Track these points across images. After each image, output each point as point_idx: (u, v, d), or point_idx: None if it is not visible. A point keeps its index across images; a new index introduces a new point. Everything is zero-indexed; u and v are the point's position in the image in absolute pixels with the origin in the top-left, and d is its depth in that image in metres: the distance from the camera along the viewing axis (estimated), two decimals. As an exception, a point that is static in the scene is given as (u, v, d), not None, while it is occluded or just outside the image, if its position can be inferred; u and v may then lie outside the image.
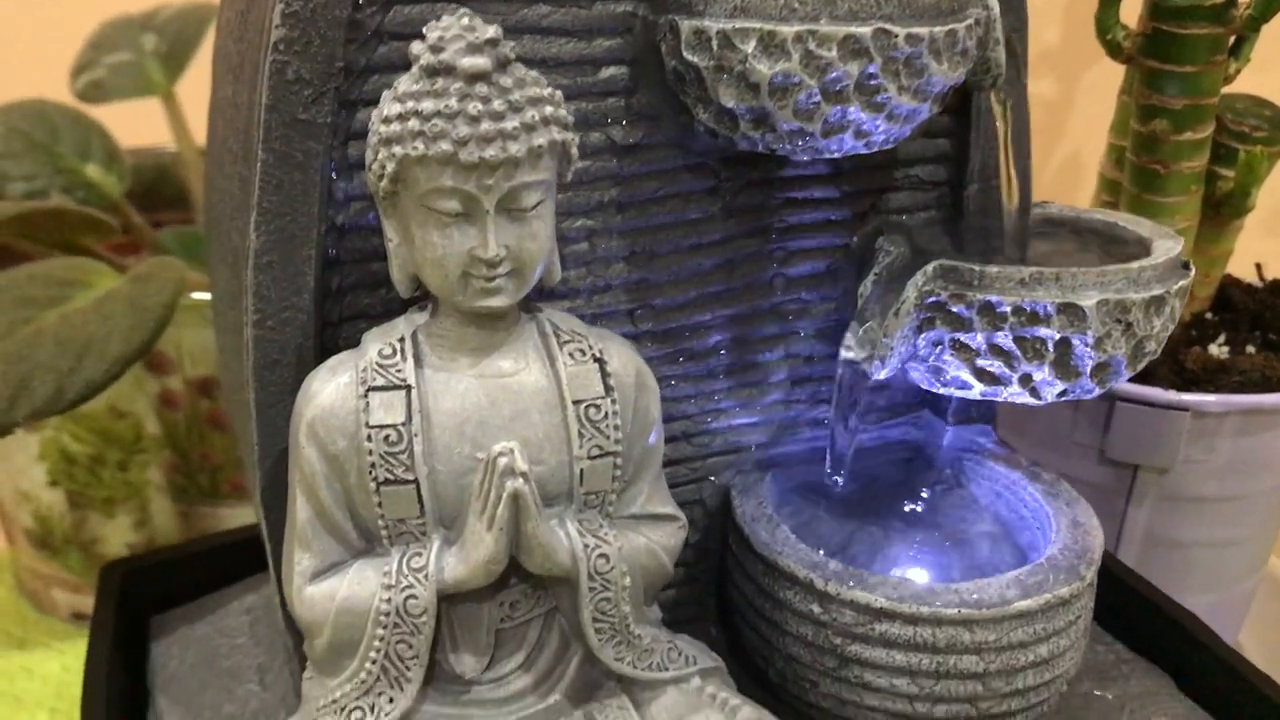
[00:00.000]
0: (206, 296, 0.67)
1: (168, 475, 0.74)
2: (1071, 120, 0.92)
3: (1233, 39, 0.64)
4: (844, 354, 0.48)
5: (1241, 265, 0.78)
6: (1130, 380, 0.66)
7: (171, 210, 0.86)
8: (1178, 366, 0.67)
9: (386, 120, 0.35)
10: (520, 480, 0.36)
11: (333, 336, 0.42)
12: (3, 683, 0.73)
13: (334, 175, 0.40)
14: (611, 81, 0.43)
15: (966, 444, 0.54)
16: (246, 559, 0.59)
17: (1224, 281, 0.75)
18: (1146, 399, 0.65)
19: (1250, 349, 0.71)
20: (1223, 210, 0.69)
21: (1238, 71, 0.66)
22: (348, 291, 0.42)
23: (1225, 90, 0.69)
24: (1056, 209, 0.53)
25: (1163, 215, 0.67)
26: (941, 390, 0.48)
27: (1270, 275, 0.77)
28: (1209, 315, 0.74)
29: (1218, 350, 0.71)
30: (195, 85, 0.77)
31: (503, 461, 0.36)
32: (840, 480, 0.50)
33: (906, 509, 0.52)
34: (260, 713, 0.50)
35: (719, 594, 0.53)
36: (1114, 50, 0.64)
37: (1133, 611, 0.56)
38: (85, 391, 0.54)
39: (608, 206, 0.45)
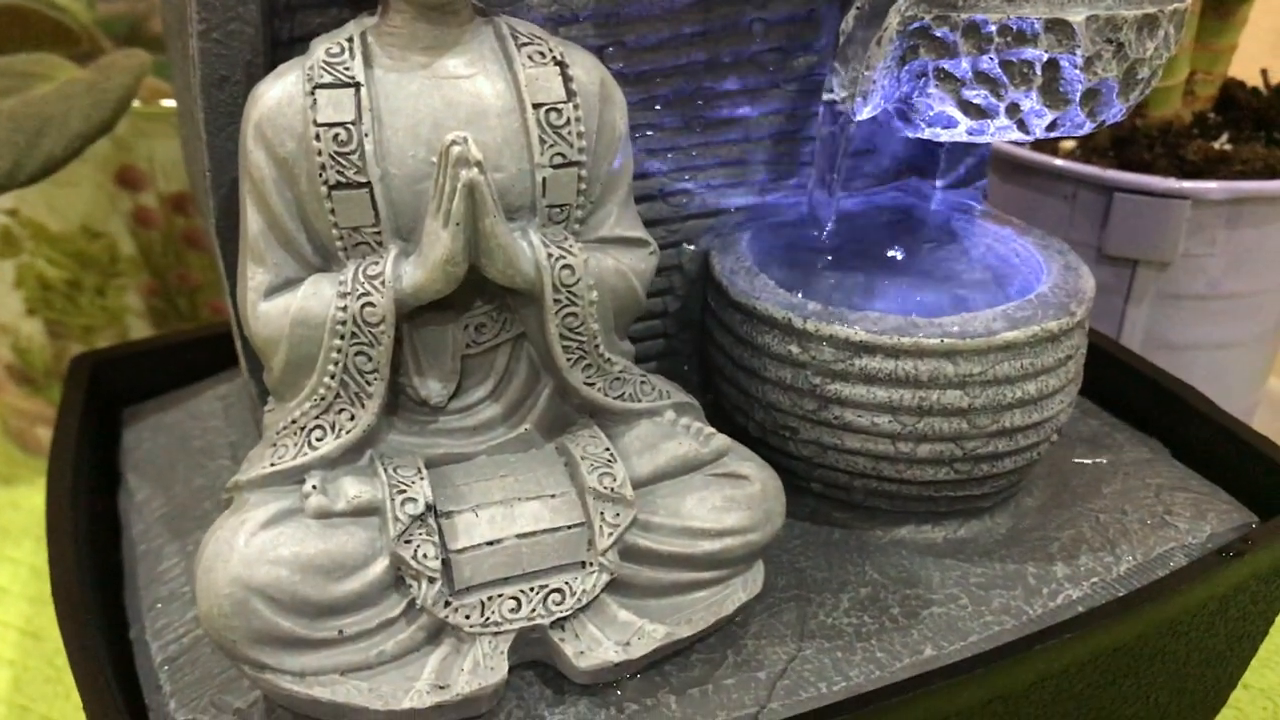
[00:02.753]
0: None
1: (146, 299, 0.73)
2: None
3: None
4: (825, 95, 0.46)
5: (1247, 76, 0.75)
6: (1128, 171, 0.64)
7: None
8: (1178, 160, 0.65)
9: None
10: (475, 170, 0.35)
11: (284, 57, 0.40)
12: (-10, 516, 0.72)
13: (277, -127, 0.38)
14: None
15: (956, 205, 0.52)
16: (220, 353, 0.58)
17: (1228, 83, 0.73)
18: (1145, 188, 0.63)
19: (1256, 147, 0.68)
20: (1227, -3, 0.66)
21: None
22: (298, 9, 0.40)
23: None
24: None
25: None
26: (926, 133, 0.46)
27: None
28: (1212, 115, 0.71)
29: (1221, 147, 0.68)
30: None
31: (456, 150, 0.34)
32: (824, 235, 0.48)
33: (895, 264, 0.50)
34: (232, 484, 0.49)
35: (700, 364, 0.52)
36: None
37: (1128, 386, 0.55)
38: (45, 165, 0.52)
39: (572, -74, 0.43)
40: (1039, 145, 0.68)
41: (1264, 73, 0.75)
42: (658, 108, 0.47)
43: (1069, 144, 0.69)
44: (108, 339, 0.73)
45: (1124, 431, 0.53)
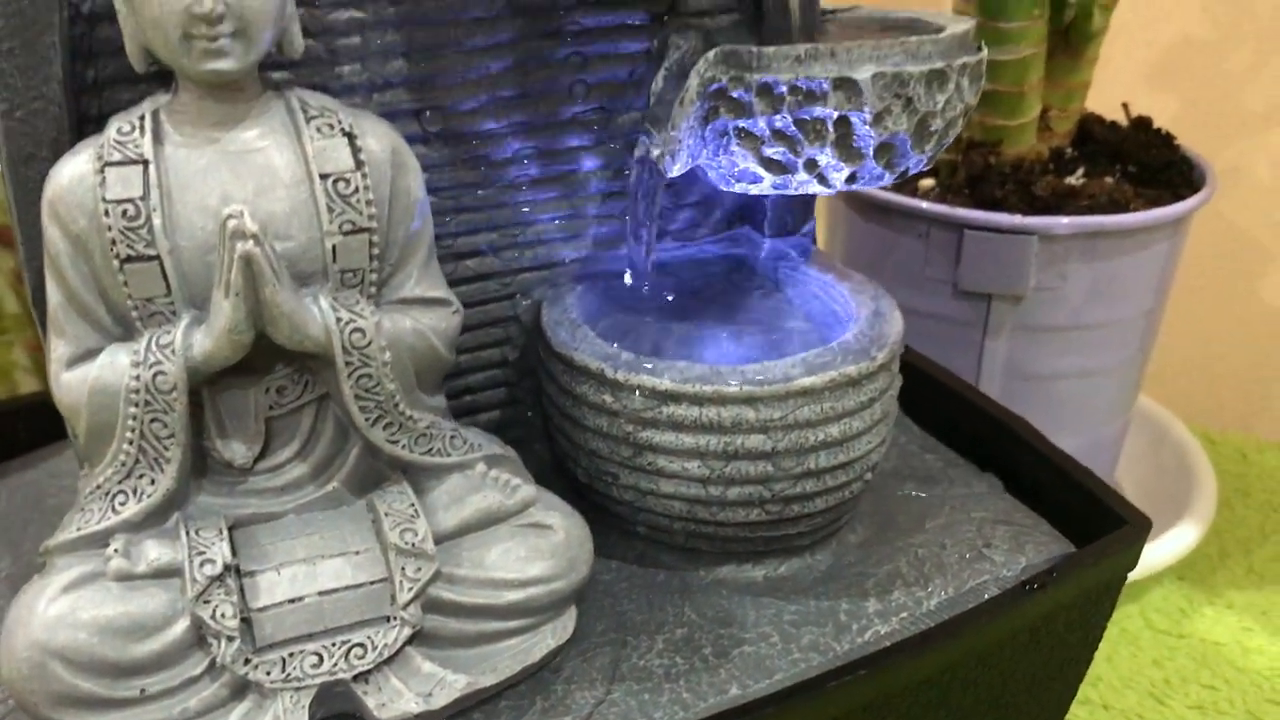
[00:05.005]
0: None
1: (32, 355, 0.74)
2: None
3: None
4: (637, 153, 0.48)
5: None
6: (981, 207, 0.66)
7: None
8: (1029, 196, 0.67)
9: (91, -125, 0.35)
10: (250, 242, 0.36)
11: (94, 133, 0.41)
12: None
13: (73, -41, 0.39)
14: None
15: (784, 253, 0.54)
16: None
17: (1086, 118, 0.75)
18: (993, 224, 0.65)
19: (1109, 180, 0.71)
20: (1071, 38, 0.69)
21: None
22: (105, 85, 0.42)
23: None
24: (866, 11, 0.53)
25: (1007, 41, 0.67)
26: (736, 188, 0.48)
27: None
28: (1069, 150, 0.73)
29: (1075, 182, 0.71)
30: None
31: (232, 224, 0.36)
32: (646, 287, 0.50)
33: (722, 314, 0.52)
34: (79, 543, 0.50)
35: (541, 411, 0.53)
36: None
37: (964, 420, 0.56)
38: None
39: (378, -2, 0.44)
40: (896, 185, 0.70)
41: (1125, 106, 0.78)
42: (482, 169, 0.49)
43: (928, 182, 0.71)
44: (-2, 394, 0.74)
45: (959, 466, 0.55)
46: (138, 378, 0.38)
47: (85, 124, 0.42)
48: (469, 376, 0.52)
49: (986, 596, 0.47)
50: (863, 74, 0.43)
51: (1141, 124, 0.75)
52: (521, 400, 0.53)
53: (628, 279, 0.50)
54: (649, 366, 0.44)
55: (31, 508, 0.53)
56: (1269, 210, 0.90)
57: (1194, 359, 0.94)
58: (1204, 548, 0.75)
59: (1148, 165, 0.72)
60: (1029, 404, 0.70)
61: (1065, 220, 0.64)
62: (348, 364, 0.39)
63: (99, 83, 0.42)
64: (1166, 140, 0.74)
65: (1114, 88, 0.81)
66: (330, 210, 0.39)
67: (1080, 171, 0.71)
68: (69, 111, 0.41)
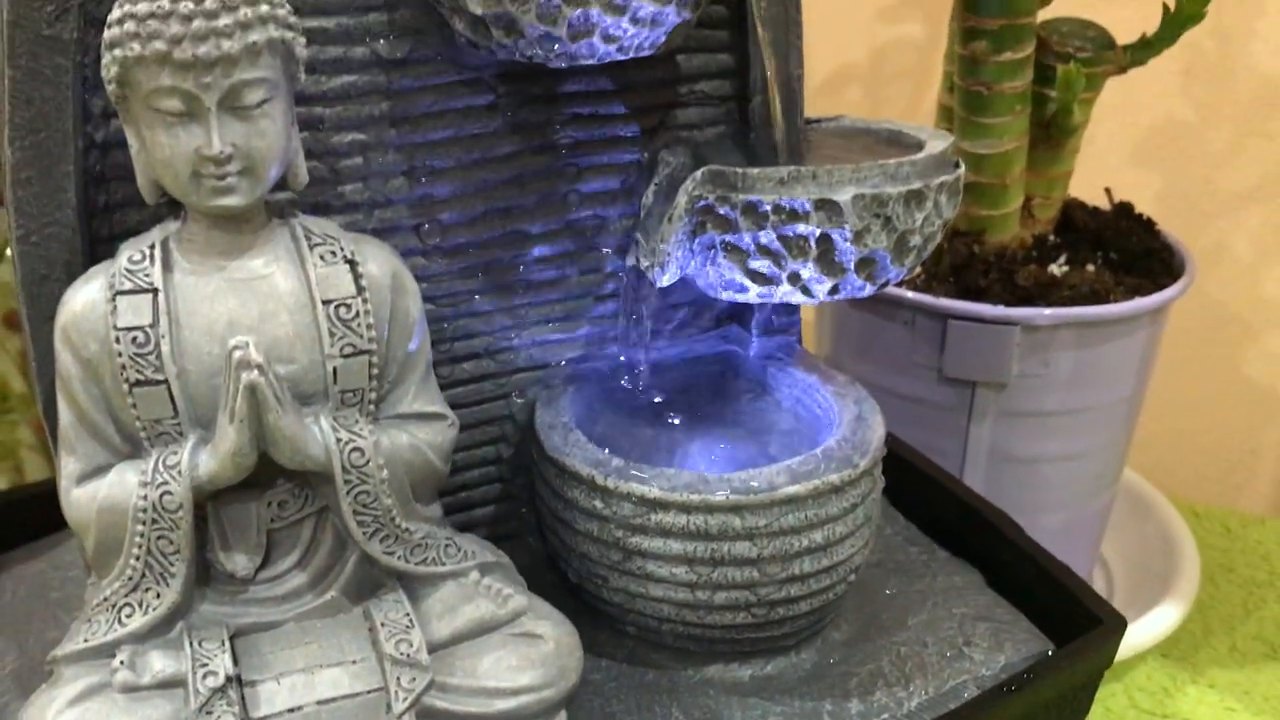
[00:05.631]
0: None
1: (38, 434, 0.76)
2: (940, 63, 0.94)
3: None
4: (629, 262, 0.50)
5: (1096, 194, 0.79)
6: (965, 296, 0.68)
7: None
8: (1011, 285, 0.69)
9: (109, 25, 0.37)
10: (255, 372, 0.38)
11: (106, 253, 0.43)
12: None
13: (89, 92, 0.41)
14: (371, -4, 0.45)
15: (771, 353, 0.55)
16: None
17: (1068, 204, 0.77)
18: (977, 315, 0.67)
19: (1090, 268, 0.73)
20: (1052, 131, 0.71)
21: (1056, -8, 0.67)
22: (116, 208, 0.43)
23: (1051, 14, 0.71)
24: (849, 120, 0.55)
25: (990, 136, 0.69)
26: (724, 296, 0.50)
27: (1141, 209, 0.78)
28: (1052, 237, 0.75)
29: (1058, 270, 0.72)
30: None
31: (237, 355, 0.38)
32: (638, 388, 0.52)
33: (712, 415, 0.54)
34: (83, 637, 0.51)
35: (534, 508, 0.54)
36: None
37: (946, 512, 0.58)
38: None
39: (379, 120, 0.46)
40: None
41: (1108, 191, 0.80)
42: (479, 276, 0.50)
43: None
44: (2, 471, 0.76)
45: (941, 561, 0.56)
46: (145, 497, 0.39)
47: (97, 245, 0.43)
48: (465, 474, 0.53)
49: (966, 697, 0.48)
50: (843, 195, 0.45)
51: (1123, 210, 0.77)
52: (516, 496, 0.55)
53: (621, 379, 0.52)
54: (638, 474, 0.46)
55: (35, 600, 0.54)
56: (1250, 287, 0.91)
57: (1178, 432, 0.95)
58: (1188, 624, 0.76)
59: (1129, 252, 0.74)
60: (1014, 485, 0.72)
61: (1047, 311, 0.66)
62: (347, 482, 0.41)
63: (110, 206, 0.43)
64: (1148, 226, 0.76)
65: (1098, 167, 0.83)
66: (332, 334, 0.40)
67: (1063, 259, 0.73)
68: (81, 234, 0.42)
